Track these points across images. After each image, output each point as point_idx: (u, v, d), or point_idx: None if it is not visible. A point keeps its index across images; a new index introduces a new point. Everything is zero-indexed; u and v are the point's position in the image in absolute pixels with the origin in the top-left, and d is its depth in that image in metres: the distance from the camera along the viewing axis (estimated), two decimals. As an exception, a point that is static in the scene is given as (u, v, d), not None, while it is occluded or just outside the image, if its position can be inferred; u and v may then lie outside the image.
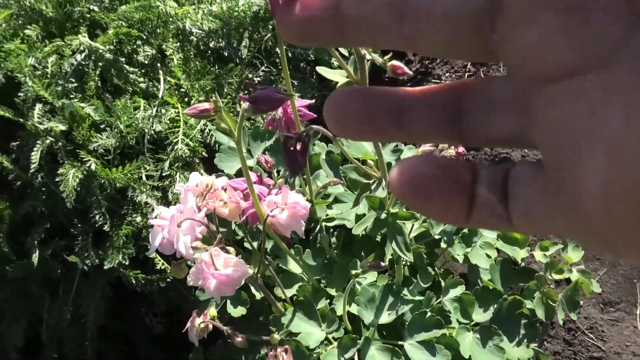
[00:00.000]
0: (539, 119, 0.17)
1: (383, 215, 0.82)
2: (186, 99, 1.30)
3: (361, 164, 0.85)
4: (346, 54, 1.37)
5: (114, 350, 1.34)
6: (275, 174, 0.72)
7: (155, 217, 0.63)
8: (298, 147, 0.50)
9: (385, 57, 0.57)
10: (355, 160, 0.77)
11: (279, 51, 1.42)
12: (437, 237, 0.98)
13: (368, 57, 0.56)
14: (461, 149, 0.79)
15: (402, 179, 0.20)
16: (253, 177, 0.80)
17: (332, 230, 0.98)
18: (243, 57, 1.35)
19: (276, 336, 0.72)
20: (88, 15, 1.28)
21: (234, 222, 0.67)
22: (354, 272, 0.79)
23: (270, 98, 0.44)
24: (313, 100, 0.75)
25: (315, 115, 0.85)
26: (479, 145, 0.31)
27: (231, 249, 0.71)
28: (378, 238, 1.00)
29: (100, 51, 1.18)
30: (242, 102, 0.47)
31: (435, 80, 1.63)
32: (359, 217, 0.96)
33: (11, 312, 1.28)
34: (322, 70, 0.65)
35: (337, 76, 0.63)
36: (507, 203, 0.20)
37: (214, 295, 0.59)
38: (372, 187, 0.73)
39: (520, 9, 0.16)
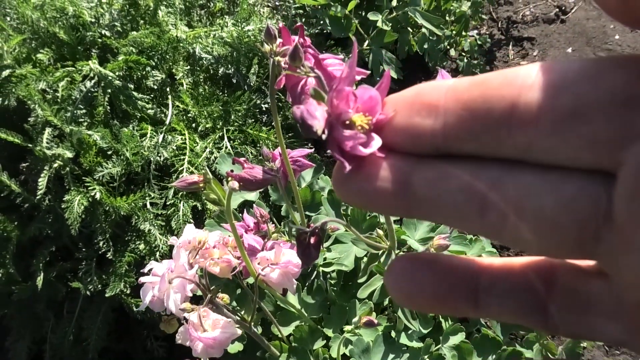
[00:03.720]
0: None
1: None
2: (193, 125, 1.31)
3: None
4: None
5: (115, 372, 1.36)
6: (271, 226, 0.72)
7: (149, 272, 0.64)
8: (312, 240, 0.50)
9: None
10: (357, 232, 0.75)
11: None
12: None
13: None
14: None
15: (396, 286, 0.19)
16: (250, 222, 0.80)
17: (328, 274, 0.98)
18: (251, 83, 1.36)
19: (266, 390, 0.72)
20: (100, 40, 1.29)
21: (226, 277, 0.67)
22: (346, 328, 0.78)
23: (256, 179, 0.44)
24: (312, 149, 0.74)
25: (314, 165, 0.84)
26: (574, 339, 0.30)
27: (225, 297, 0.71)
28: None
29: (110, 78, 1.20)
30: (229, 180, 0.47)
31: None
32: (357, 260, 0.96)
33: (16, 330, 1.31)
34: None
35: None
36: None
37: (201, 356, 0.59)
38: (381, 259, 0.72)
39: (634, 231, 0.15)
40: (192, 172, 1.20)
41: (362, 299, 0.97)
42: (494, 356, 0.91)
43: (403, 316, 0.84)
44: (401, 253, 0.72)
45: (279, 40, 0.50)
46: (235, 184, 0.45)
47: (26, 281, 1.21)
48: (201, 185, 0.50)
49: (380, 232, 0.76)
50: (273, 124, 1.37)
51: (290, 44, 0.48)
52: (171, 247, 0.78)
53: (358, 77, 0.48)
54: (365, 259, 0.86)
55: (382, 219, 0.91)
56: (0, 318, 1.32)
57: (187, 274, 0.60)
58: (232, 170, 0.50)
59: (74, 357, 1.28)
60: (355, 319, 0.74)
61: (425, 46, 1.44)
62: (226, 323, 0.60)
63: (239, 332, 0.61)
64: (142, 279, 0.62)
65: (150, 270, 0.64)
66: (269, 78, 0.48)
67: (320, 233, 0.47)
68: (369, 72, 0.57)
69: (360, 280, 0.75)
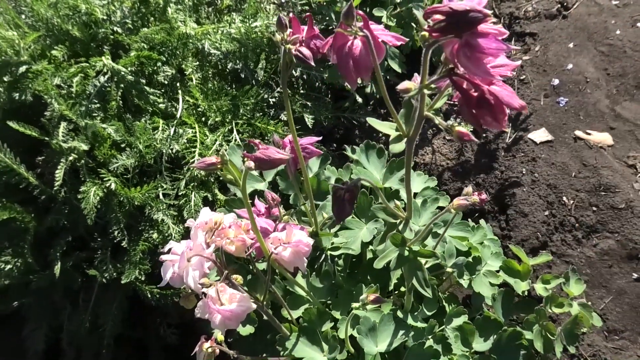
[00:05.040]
0: None
1: (406, 252, 0.84)
2: (203, 119, 1.35)
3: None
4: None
5: (129, 358, 1.40)
6: (281, 209, 0.76)
7: (168, 251, 0.68)
8: (347, 196, 0.54)
9: (451, 123, 0.58)
10: (383, 196, 0.78)
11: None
12: (449, 269, 1.00)
13: (437, 121, 0.57)
14: (483, 196, 0.81)
15: None
16: (262, 207, 0.84)
17: (335, 258, 1.02)
18: (259, 78, 1.39)
19: (278, 365, 0.76)
20: (112, 37, 1.33)
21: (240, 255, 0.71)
22: (354, 305, 0.82)
23: (270, 158, 0.48)
24: (320, 137, 0.78)
25: (322, 152, 0.88)
26: None
27: (238, 277, 0.75)
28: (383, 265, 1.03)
29: (122, 73, 1.24)
30: (245, 160, 0.51)
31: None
32: (364, 245, 1.00)
33: (33, 319, 1.35)
34: (372, 121, 0.67)
35: (387, 129, 0.65)
36: None
37: (219, 328, 0.63)
38: (400, 227, 0.75)
39: None
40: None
41: (368, 281, 1.01)
42: (495, 336, 0.94)
43: (412, 297, 0.88)
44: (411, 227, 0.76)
45: (289, 30, 0.53)
46: (252, 164, 0.48)
47: (44, 270, 1.26)
48: (219, 166, 0.54)
49: (398, 203, 0.80)
50: (280, 117, 1.41)
51: (300, 33, 0.52)
52: (187, 229, 0.82)
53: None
54: (371, 245, 0.89)
55: (402, 194, 0.94)
56: (18, 307, 1.37)
57: (205, 252, 0.64)
58: (247, 152, 0.54)
59: (90, 344, 1.32)
60: (362, 296, 0.77)
61: (428, 41, 1.47)
62: (242, 297, 0.63)
63: (254, 306, 0.65)
64: (162, 257, 0.66)
65: (169, 249, 0.68)
66: (281, 65, 0.51)
67: (355, 190, 0.51)
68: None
69: (379, 247, 0.79)
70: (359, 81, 0.52)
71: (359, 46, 0.52)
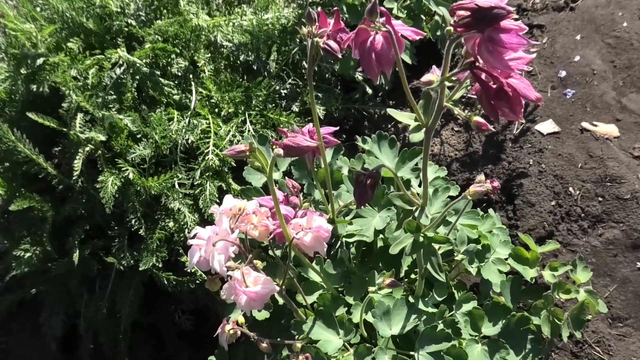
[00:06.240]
0: None
1: (420, 239, 0.86)
2: (216, 110, 1.37)
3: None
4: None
5: (145, 343, 1.44)
6: (302, 197, 0.79)
7: (194, 237, 0.71)
8: (368, 182, 0.56)
9: (469, 113, 0.61)
10: (401, 184, 0.81)
11: (306, 68, 1.48)
12: (461, 256, 1.03)
13: (456, 112, 0.59)
14: (496, 184, 0.83)
15: None
16: (280, 196, 0.87)
17: (351, 246, 1.04)
18: (271, 70, 1.42)
19: (298, 344, 0.79)
20: (126, 29, 1.36)
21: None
22: (370, 289, 0.85)
23: (299, 145, 0.51)
24: (337, 128, 0.81)
25: (339, 142, 0.90)
26: None
27: (258, 262, 0.78)
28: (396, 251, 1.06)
29: (138, 65, 1.26)
30: (274, 148, 0.53)
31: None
32: (377, 233, 1.02)
33: (51, 305, 1.38)
34: (392, 112, 0.70)
35: (407, 119, 0.68)
36: None
37: (245, 309, 0.66)
38: (416, 214, 0.78)
39: None
40: (217, 155, 1.26)
41: (380, 268, 1.04)
42: (503, 321, 0.97)
43: (423, 283, 0.91)
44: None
45: (316, 24, 0.56)
46: (280, 151, 0.51)
47: (62, 258, 1.29)
48: (247, 153, 0.56)
49: (414, 190, 0.82)
50: (292, 108, 1.43)
51: (326, 27, 0.54)
52: (202, 218, 0.85)
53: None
54: (382, 234, 0.92)
55: (413, 183, 0.97)
56: (35, 294, 1.40)
57: (230, 237, 0.67)
58: (276, 139, 0.56)
59: (107, 329, 1.36)
60: (379, 280, 0.80)
61: (438, 33, 1.49)
62: (266, 280, 0.66)
63: (277, 288, 0.68)
64: (189, 242, 0.69)
65: (195, 234, 0.71)
66: (307, 57, 0.54)
67: (376, 176, 0.53)
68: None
69: (396, 234, 0.81)
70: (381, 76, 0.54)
71: (380, 41, 0.54)
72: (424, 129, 0.61)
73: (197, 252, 0.67)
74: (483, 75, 0.52)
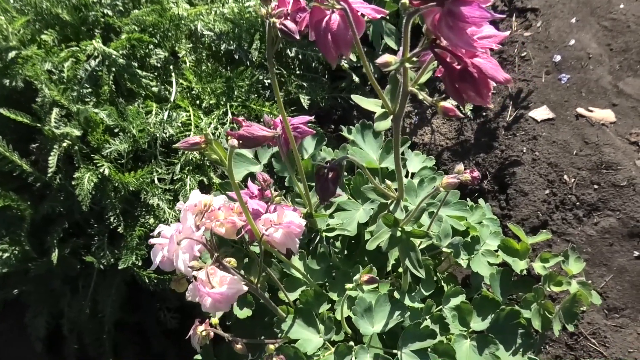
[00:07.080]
0: None
1: (398, 233, 0.82)
2: (197, 102, 1.33)
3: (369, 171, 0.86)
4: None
5: (130, 343, 1.41)
6: (274, 191, 0.75)
7: (158, 235, 0.67)
8: (330, 175, 0.52)
9: (436, 98, 0.56)
10: (370, 175, 0.77)
11: (289, 53, 1.43)
12: (445, 249, 0.99)
13: (421, 97, 0.55)
14: (476, 174, 0.79)
15: None
16: (254, 190, 0.83)
17: (332, 240, 1.01)
18: (253, 59, 1.37)
19: (271, 347, 0.75)
20: (102, 20, 1.31)
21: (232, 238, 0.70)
22: (347, 286, 0.81)
23: (254, 135, 0.46)
24: (312, 117, 0.76)
25: (314, 132, 0.86)
26: None
27: (232, 260, 0.74)
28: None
29: (114, 56, 1.22)
30: (229, 138, 0.49)
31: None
32: (361, 226, 0.98)
33: (34, 306, 1.35)
34: (357, 98, 0.65)
35: (372, 106, 0.63)
36: None
37: (210, 311, 0.62)
38: (391, 208, 0.74)
39: None
40: (197, 148, 1.22)
41: (366, 262, 1.00)
42: (492, 315, 0.94)
43: (408, 277, 0.87)
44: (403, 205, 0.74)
45: (274, 3, 0.51)
46: (235, 142, 0.47)
47: (41, 258, 1.25)
48: (203, 145, 0.52)
49: (390, 183, 0.78)
50: (276, 99, 1.39)
51: (285, 6, 0.50)
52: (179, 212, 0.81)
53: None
54: (368, 225, 0.88)
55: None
56: (18, 295, 1.37)
57: (195, 235, 0.63)
58: (231, 129, 0.52)
59: (90, 329, 1.33)
60: (356, 277, 0.76)
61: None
62: (232, 280, 0.63)
63: (245, 288, 0.64)
64: (151, 241, 0.65)
65: (159, 233, 0.67)
66: (266, 40, 0.50)
67: (338, 169, 0.49)
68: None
69: (370, 229, 0.78)
70: (345, 58, 0.49)
71: (337, 20, 0.50)
72: (392, 117, 0.57)
73: (159, 252, 0.64)
74: (447, 57, 0.47)
